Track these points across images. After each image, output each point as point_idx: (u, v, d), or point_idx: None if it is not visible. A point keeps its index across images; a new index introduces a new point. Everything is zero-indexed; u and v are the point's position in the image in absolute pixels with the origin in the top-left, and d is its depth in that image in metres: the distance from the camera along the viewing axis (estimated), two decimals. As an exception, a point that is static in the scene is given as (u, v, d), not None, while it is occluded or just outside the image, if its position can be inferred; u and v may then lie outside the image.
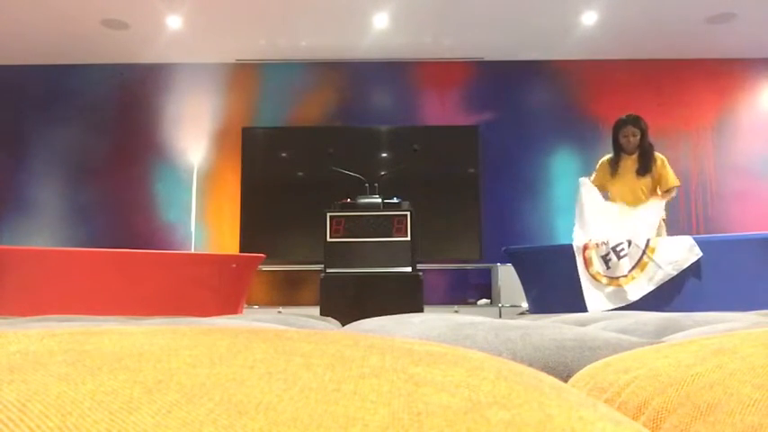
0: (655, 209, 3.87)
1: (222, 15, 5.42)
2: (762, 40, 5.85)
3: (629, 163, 4.09)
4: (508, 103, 6.23)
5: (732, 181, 5.96)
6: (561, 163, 6.18)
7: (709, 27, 5.59)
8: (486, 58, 6.20)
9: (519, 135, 6.16)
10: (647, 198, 4.07)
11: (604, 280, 3.53)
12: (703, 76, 6.21)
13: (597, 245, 3.58)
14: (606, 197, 4.16)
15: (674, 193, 4.14)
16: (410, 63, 6.27)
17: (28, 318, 1.51)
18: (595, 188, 3.95)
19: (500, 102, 6.24)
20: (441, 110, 6.26)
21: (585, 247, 3.61)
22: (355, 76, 6.28)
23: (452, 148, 6.05)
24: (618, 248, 3.54)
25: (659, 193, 4.11)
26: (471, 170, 6.04)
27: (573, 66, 6.21)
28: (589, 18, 5.48)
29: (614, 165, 4.12)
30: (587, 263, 3.59)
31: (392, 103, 6.33)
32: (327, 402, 0.25)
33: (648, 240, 3.52)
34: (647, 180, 4.06)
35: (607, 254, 3.55)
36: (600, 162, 4.26)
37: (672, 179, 4.09)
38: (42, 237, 5.96)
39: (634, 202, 4.04)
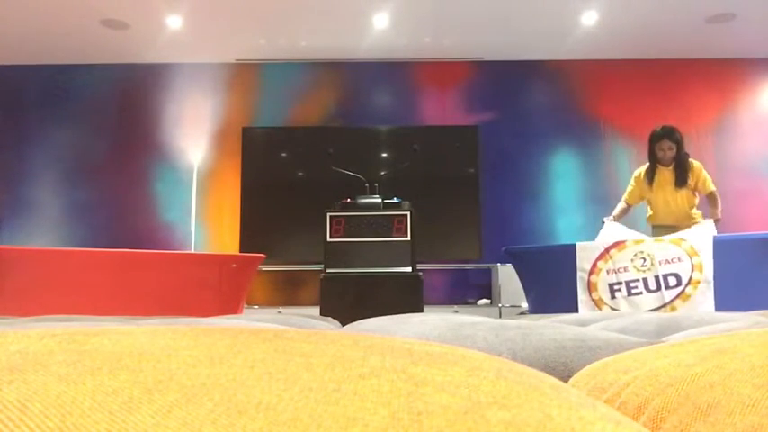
0: (704, 231, 3.60)
1: (222, 15, 5.42)
2: (762, 40, 5.85)
3: (667, 174, 4.12)
4: (508, 103, 6.23)
5: (732, 181, 5.95)
6: (561, 163, 6.18)
7: (709, 27, 5.59)
8: (486, 58, 6.20)
9: (519, 135, 6.16)
10: (690, 206, 4.10)
11: (606, 308, 3.36)
12: (703, 76, 6.20)
13: (608, 271, 3.42)
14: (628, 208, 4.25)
15: (719, 202, 4.09)
16: (410, 63, 6.27)
17: (28, 318, 1.51)
18: (621, 227, 3.86)
19: (500, 102, 6.23)
20: (441, 110, 6.26)
21: (592, 271, 3.47)
22: (355, 76, 6.28)
23: (452, 148, 6.05)
24: (631, 285, 3.36)
25: (697, 196, 4.12)
26: (471, 170, 6.04)
27: (573, 66, 6.21)
28: (589, 18, 5.48)
29: (651, 176, 4.16)
30: (591, 287, 3.46)
31: (392, 103, 6.33)
32: (327, 402, 0.25)
33: (691, 276, 3.28)
34: (687, 190, 4.10)
35: (617, 284, 3.39)
36: (635, 175, 4.31)
37: (709, 184, 4.10)
38: (42, 237, 5.96)
39: (676, 211, 4.09)
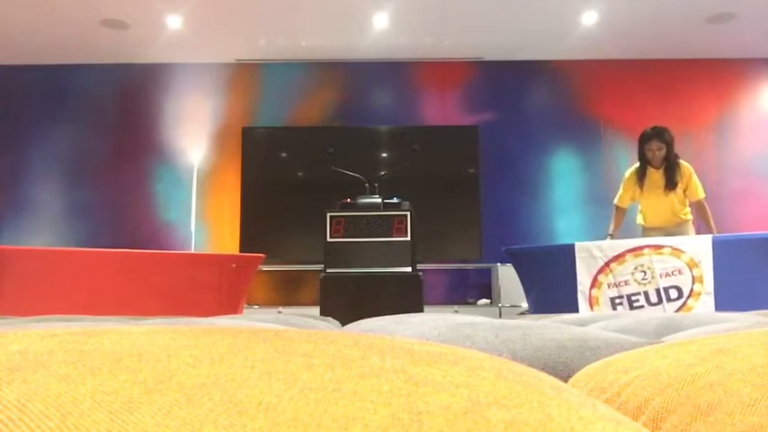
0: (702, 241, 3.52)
1: (222, 15, 5.42)
2: (762, 40, 5.85)
3: (657, 177, 4.08)
4: (508, 103, 6.23)
5: (732, 181, 5.96)
6: (561, 163, 6.18)
7: (710, 27, 5.59)
8: (486, 58, 6.20)
9: (519, 135, 6.16)
10: (681, 209, 4.08)
11: None
12: (703, 76, 6.20)
13: (609, 285, 3.39)
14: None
15: (709, 213, 4.08)
16: (410, 63, 6.27)
17: (28, 318, 1.51)
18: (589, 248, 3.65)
19: (500, 102, 6.23)
20: (441, 110, 6.26)
21: (593, 285, 3.46)
22: (355, 76, 6.28)
23: (452, 148, 6.05)
24: (633, 298, 3.34)
25: (687, 202, 4.11)
26: (471, 170, 6.04)
27: (573, 66, 6.21)
28: (589, 18, 5.48)
29: (641, 178, 4.12)
30: (592, 301, 3.44)
31: (392, 103, 6.33)
32: (327, 402, 0.25)
33: (692, 288, 3.26)
34: (677, 192, 4.06)
35: (618, 297, 3.37)
36: (625, 177, 4.26)
37: (699, 191, 4.07)
38: (42, 236, 5.96)
39: (665, 216, 4.07)
